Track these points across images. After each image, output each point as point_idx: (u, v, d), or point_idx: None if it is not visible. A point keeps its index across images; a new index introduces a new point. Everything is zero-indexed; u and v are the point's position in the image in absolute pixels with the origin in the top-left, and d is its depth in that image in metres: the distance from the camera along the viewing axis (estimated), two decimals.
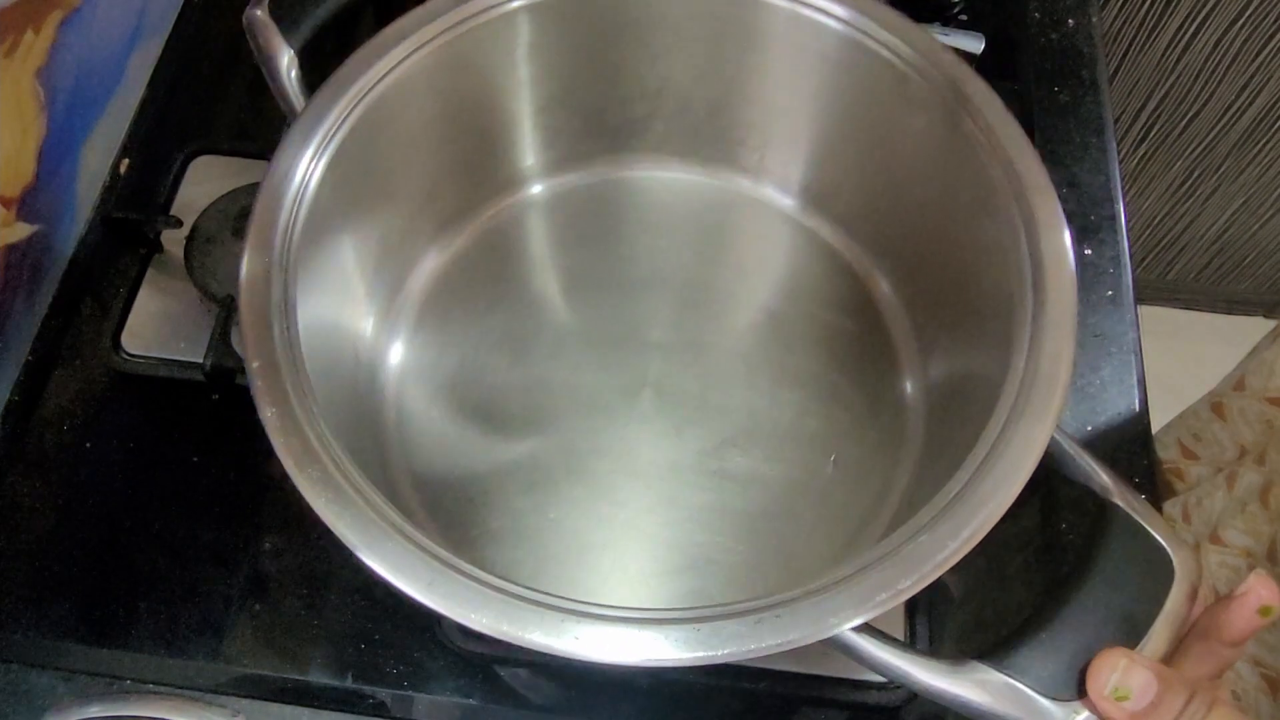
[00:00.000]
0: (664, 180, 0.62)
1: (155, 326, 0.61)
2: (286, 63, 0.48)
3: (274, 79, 0.48)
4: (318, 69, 0.49)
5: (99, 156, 0.66)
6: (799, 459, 0.54)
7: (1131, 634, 0.36)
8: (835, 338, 0.58)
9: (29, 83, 0.58)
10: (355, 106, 0.48)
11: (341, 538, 0.37)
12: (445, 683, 0.52)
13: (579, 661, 0.35)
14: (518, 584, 0.36)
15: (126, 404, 0.60)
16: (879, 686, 0.50)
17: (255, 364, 0.40)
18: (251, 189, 0.62)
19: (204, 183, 0.65)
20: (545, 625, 0.35)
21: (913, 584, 0.36)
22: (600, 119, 0.60)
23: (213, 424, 0.59)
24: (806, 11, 0.52)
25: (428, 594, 0.36)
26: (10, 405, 0.60)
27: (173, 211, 0.64)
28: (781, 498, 0.53)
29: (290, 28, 0.48)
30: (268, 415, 0.39)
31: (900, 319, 0.58)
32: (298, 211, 0.45)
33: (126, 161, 0.68)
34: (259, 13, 0.48)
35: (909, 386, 0.56)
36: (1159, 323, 1.56)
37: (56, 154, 0.61)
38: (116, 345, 0.60)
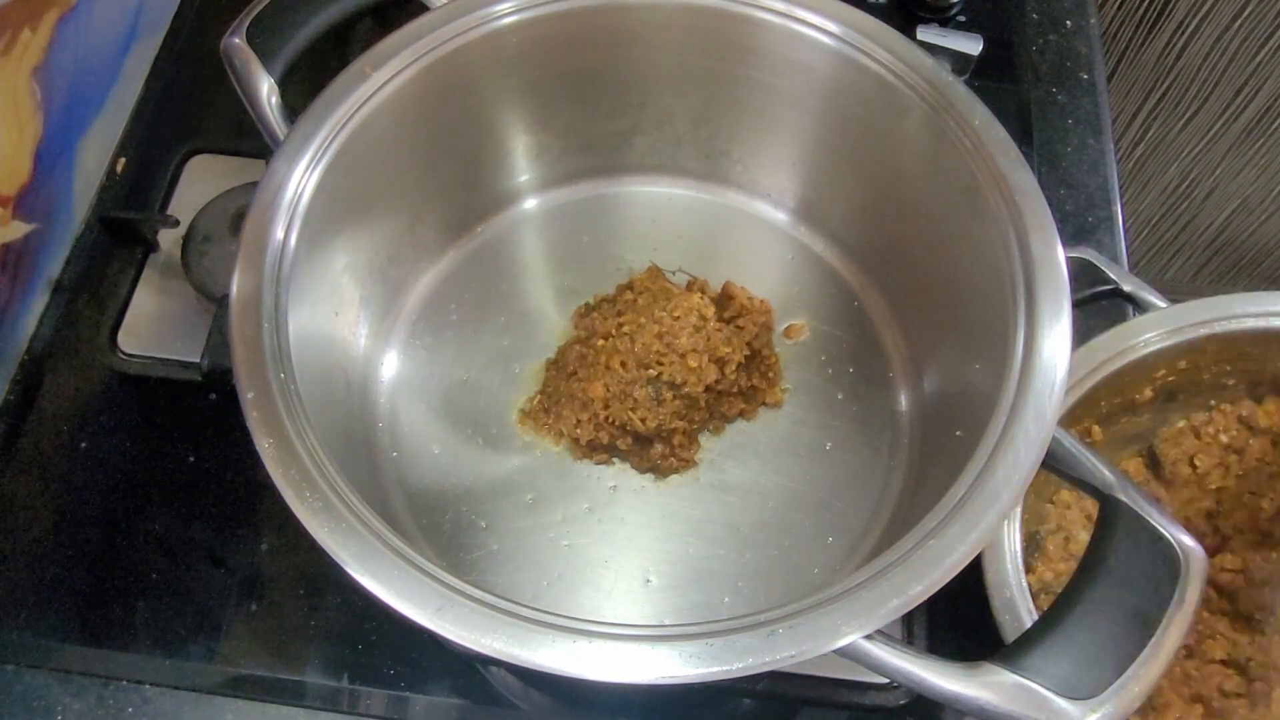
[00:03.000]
0: (655, 194, 0.62)
1: (152, 326, 0.60)
2: (266, 91, 0.48)
3: (254, 108, 0.48)
4: (313, 77, 0.49)
5: (96, 155, 0.66)
6: (795, 470, 0.54)
7: (1144, 630, 0.36)
8: (828, 348, 0.58)
9: (26, 81, 0.57)
10: (344, 126, 0.47)
11: (345, 565, 0.36)
12: (442, 683, 0.52)
13: (591, 681, 0.35)
14: (525, 605, 0.36)
15: (123, 403, 0.60)
16: (879, 687, 0.50)
17: (250, 395, 0.40)
18: (249, 188, 0.62)
19: (201, 182, 0.65)
20: (556, 647, 0.35)
21: (924, 589, 0.36)
22: (585, 134, 0.59)
23: (210, 424, 0.59)
24: (799, 28, 0.52)
25: (436, 620, 0.36)
26: (6, 404, 0.59)
27: (170, 211, 0.64)
28: (779, 509, 0.53)
29: (270, 56, 0.48)
30: (264, 446, 0.39)
31: (893, 328, 0.58)
32: (289, 230, 0.44)
33: (123, 160, 0.68)
34: (238, 41, 0.48)
35: (903, 394, 0.56)
36: None
37: (53, 153, 0.61)
38: (113, 344, 0.60)
